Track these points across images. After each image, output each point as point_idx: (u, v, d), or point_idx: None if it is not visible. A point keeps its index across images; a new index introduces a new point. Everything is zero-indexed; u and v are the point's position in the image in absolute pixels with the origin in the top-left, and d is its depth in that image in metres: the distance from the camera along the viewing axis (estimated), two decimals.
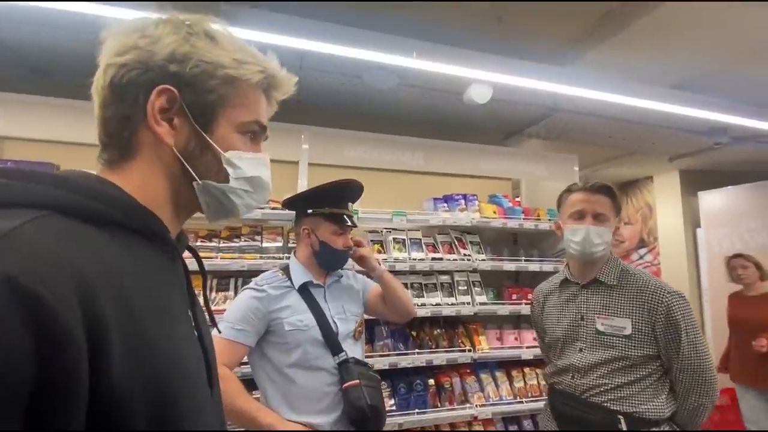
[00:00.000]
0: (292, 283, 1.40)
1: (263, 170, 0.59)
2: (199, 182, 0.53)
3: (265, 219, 2.18)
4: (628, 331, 1.27)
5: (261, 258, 2.10)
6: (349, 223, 1.44)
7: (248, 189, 0.57)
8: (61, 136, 1.87)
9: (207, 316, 0.63)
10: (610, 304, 1.32)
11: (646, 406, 1.24)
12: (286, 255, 2.13)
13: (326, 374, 1.33)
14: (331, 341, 1.35)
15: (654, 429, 1.24)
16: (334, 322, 1.39)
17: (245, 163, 0.56)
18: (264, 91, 0.58)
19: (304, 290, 1.40)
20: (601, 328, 1.32)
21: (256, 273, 2.17)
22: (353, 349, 1.41)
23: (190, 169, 0.52)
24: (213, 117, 0.53)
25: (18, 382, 0.33)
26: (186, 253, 0.61)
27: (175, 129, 0.51)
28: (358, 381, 1.31)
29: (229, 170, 0.54)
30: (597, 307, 1.34)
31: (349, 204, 1.49)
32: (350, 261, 1.52)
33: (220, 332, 0.54)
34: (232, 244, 2.15)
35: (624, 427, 1.23)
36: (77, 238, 0.41)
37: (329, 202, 1.44)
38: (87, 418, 0.37)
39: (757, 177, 3.45)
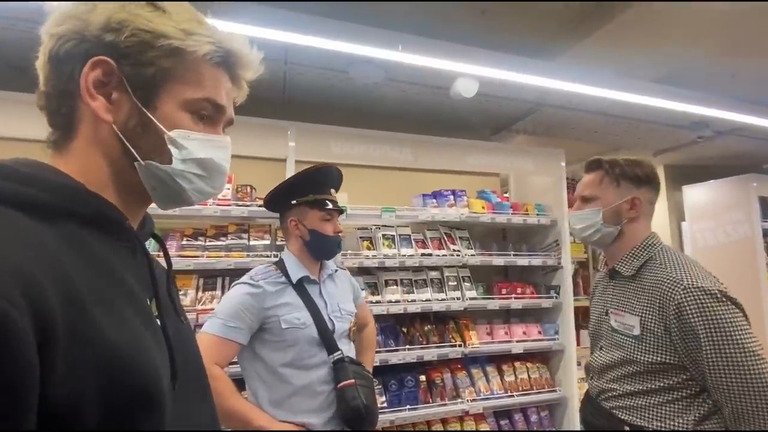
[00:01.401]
0: (288, 278, 1.37)
1: (217, 152, 0.54)
2: (141, 162, 0.49)
3: (252, 217, 2.15)
4: (636, 332, 1.08)
5: (248, 256, 2.07)
6: (334, 207, 1.41)
7: (198, 173, 0.52)
8: (37, 134, 1.82)
9: (174, 308, 0.59)
10: (624, 299, 1.15)
11: (662, 424, 1.03)
12: (274, 253, 2.10)
13: (321, 373, 1.31)
14: (327, 340, 1.33)
15: None
16: (331, 320, 1.37)
17: (193, 144, 0.51)
18: (225, 69, 0.54)
19: (300, 286, 1.37)
20: (614, 325, 1.16)
21: (243, 271, 2.13)
22: (347, 348, 1.39)
23: (131, 149, 0.48)
24: (155, 92, 0.49)
25: None
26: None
27: (113, 104, 0.48)
28: (353, 381, 1.29)
29: (173, 150, 0.50)
30: (615, 300, 1.19)
31: (332, 191, 1.45)
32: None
33: (184, 323, 0.51)
34: (219, 243, 2.11)
35: None
36: (16, 230, 0.38)
37: (312, 188, 1.40)
38: (37, 418, 0.35)
39: (739, 170, 3.53)
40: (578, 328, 2.74)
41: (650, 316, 1.06)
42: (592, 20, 1.95)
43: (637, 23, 1.95)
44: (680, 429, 1.01)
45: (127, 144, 0.48)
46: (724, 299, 0.97)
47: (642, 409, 1.07)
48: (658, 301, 1.05)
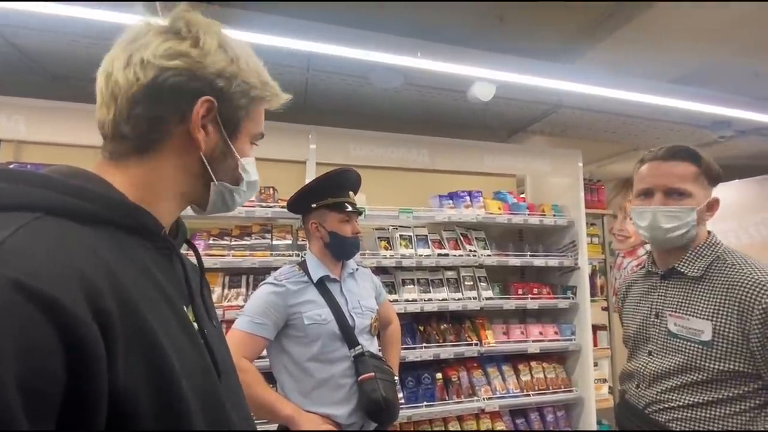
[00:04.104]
0: (309, 277, 1.45)
1: (257, 174, 0.65)
2: (216, 183, 0.58)
3: (274, 217, 2.24)
4: (706, 337, 0.99)
5: (272, 255, 2.15)
6: (353, 209, 1.47)
7: (246, 189, 0.63)
8: (77, 139, 1.94)
9: (206, 311, 0.62)
10: (689, 301, 1.06)
11: None
12: (296, 252, 2.18)
13: (342, 367, 1.38)
14: (348, 335, 1.39)
15: None
16: (351, 317, 1.43)
17: (251, 168, 0.63)
18: (267, 104, 0.64)
19: (321, 285, 1.44)
20: (674, 329, 1.07)
21: (267, 270, 2.24)
22: (369, 344, 1.45)
23: (211, 172, 0.57)
24: (238, 128, 0.59)
25: (52, 381, 0.34)
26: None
27: (207, 135, 0.56)
28: (373, 374, 1.36)
29: (243, 175, 0.61)
30: (674, 303, 1.09)
31: (351, 193, 1.51)
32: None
33: (216, 326, 0.58)
34: (243, 242, 2.20)
35: None
36: (72, 238, 0.42)
37: (330, 192, 1.47)
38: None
39: (762, 170, 3.45)
40: (595, 329, 2.74)
41: (725, 321, 0.98)
42: (611, 22, 1.96)
43: (655, 24, 1.95)
44: None
45: (209, 168, 0.57)
46: None
47: (705, 421, 0.99)
48: (737, 304, 0.97)
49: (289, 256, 2.16)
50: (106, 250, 0.44)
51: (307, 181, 2.26)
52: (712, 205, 1.09)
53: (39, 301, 0.34)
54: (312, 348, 1.37)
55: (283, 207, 2.19)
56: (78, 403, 0.36)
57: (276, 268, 2.21)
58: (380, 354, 1.51)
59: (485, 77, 2.05)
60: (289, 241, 2.26)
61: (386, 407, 1.34)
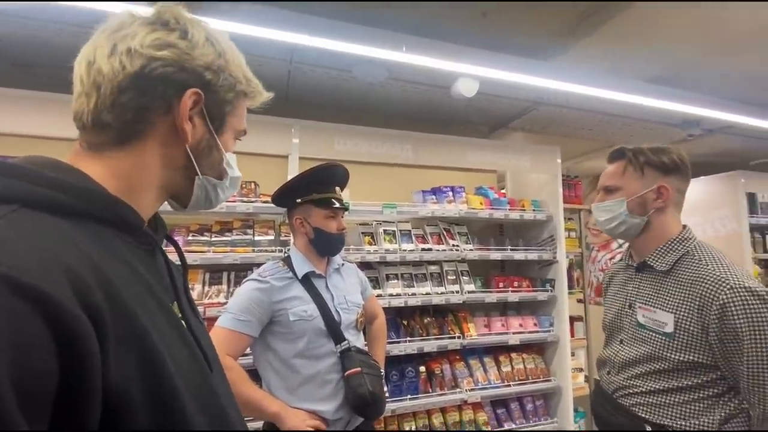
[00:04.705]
0: (294, 273, 1.43)
1: (239, 171, 0.66)
2: (200, 177, 0.58)
3: (256, 213, 2.20)
4: (669, 329, 1.04)
5: (254, 251, 2.11)
6: (338, 206, 1.45)
7: (228, 185, 0.63)
8: (40, 130, 1.84)
9: (190, 307, 0.61)
10: (657, 294, 1.10)
11: (686, 422, 1.01)
12: (278, 248, 2.15)
13: (329, 363, 1.37)
14: (334, 331, 1.39)
15: None
16: (337, 312, 1.43)
17: (234, 163, 0.63)
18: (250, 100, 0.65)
19: (306, 281, 1.43)
20: (641, 320, 1.12)
21: (248, 266, 2.20)
22: (355, 339, 1.45)
23: (195, 165, 0.57)
24: (223, 123, 0.59)
25: (45, 377, 0.33)
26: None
27: (194, 128, 0.55)
28: (359, 369, 1.36)
29: (228, 170, 0.61)
30: (644, 295, 1.14)
31: (338, 189, 1.49)
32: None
33: (202, 322, 0.57)
34: (224, 238, 2.15)
35: None
36: (52, 231, 0.40)
37: (315, 187, 1.45)
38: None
39: (727, 167, 3.63)
40: (572, 320, 2.83)
41: (687, 314, 1.02)
42: (591, 21, 2.01)
43: (633, 25, 2.01)
44: (705, 428, 0.99)
45: (194, 161, 0.56)
46: None
47: (665, 407, 1.04)
48: (698, 299, 1.00)
49: (272, 252, 2.13)
50: (87, 243, 0.42)
51: (290, 176, 2.23)
52: (661, 192, 1.12)
53: (28, 295, 0.33)
54: (298, 344, 1.35)
55: (265, 202, 2.15)
56: (71, 401, 0.35)
57: (258, 265, 2.17)
58: (366, 349, 1.51)
59: (469, 73, 2.06)
60: (272, 237, 2.23)
61: (373, 402, 1.34)
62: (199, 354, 0.54)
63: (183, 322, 0.55)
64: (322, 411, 1.35)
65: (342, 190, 1.52)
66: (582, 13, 1.94)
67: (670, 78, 2.53)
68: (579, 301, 3.17)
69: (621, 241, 4.95)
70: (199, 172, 0.57)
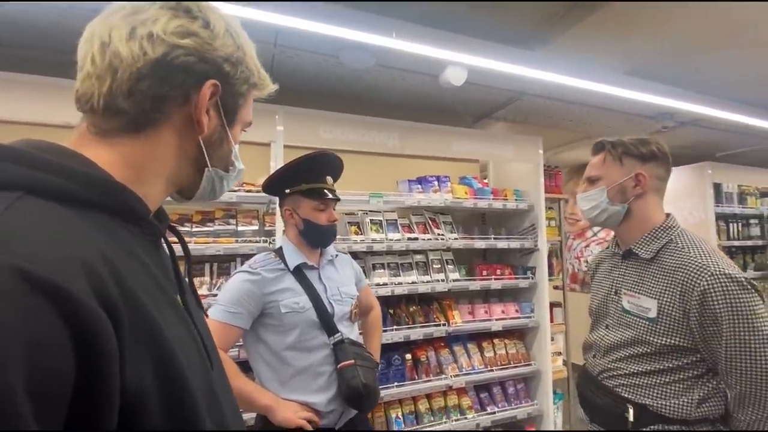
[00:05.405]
0: (286, 265, 1.40)
1: (242, 164, 0.65)
2: (210, 169, 0.57)
3: (239, 202, 2.13)
4: (652, 314, 1.08)
5: (237, 242, 2.06)
6: (330, 197, 1.41)
7: (233, 178, 0.63)
8: (27, 116, 1.71)
9: (195, 299, 0.61)
10: (641, 281, 1.14)
11: (666, 402, 1.06)
12: (263, 239, 2.10)
13: (321, 355, 1.36)
14: (327, 322, 1.37)
15: (670, 428, 1.04)
16: (330, 304, 1.41)
17: (239, 157, 0.63)
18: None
19: (299, 272, 1.40)
20: (626, 306, 1.16)
21: (231, 257, 2.15)
22: (349, 331, 1.44)
23: (206, 157, 0.55)
24: (236, 115, 0.58)
25: (62, 379, 0.32)
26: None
27: (209, 120, 0.54)
28: (353, 361, 1.35)
29: (236, 162, 0.61)
30: (629, 281, 1.18)
31: (329, 179, 1.44)
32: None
33: (207, 316, 0.56)
34: (206, 228, 2.09)
35: (631, 417, 1.08)
36: (62, 221, 0.38)
37: (305, 177, 1.40)
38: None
39: (698, 159, 3.80)
40: (551, 306, 2.92)
41: (669, 300, 1.06)
42: (575, 13, 2.03)
43: (614, 19, 2.04)
44: (684, 407, 1.04)
45: (205, 153, 0.55)
46: (749, 287, 0.99)
47: (647, 388, 1.08)
48: (679, 285, 1.04)
49: (256, 242, 2.08)
50: (95, 234, 0.40)
51: (273, 164, 2.17)
52: (639, 179, 1.16)
53: (45, 290, 0.31)
54: (289, 336, 1.33)
55: (248, 191, 2.09)
56: (88, 402, 0.33)
57: (242, 255, 2.13)
58: (361, 341, 1.50)
59: (456, 60, 2.05)
60: (256, 227, 2.17)
61: (366, 394, 1.34)
62: (203, 349, 0.53)
63: (187, 314, 0.53)
64: (315, 403, 1.34)
65: (335, 180, 1.48)
66: (564, 6, 1.96)
67: (646, 71, 2.60)
68: (555, 287, 3.27)
69: (596, 230, 5.13)
70: (209, 164, 0.56)
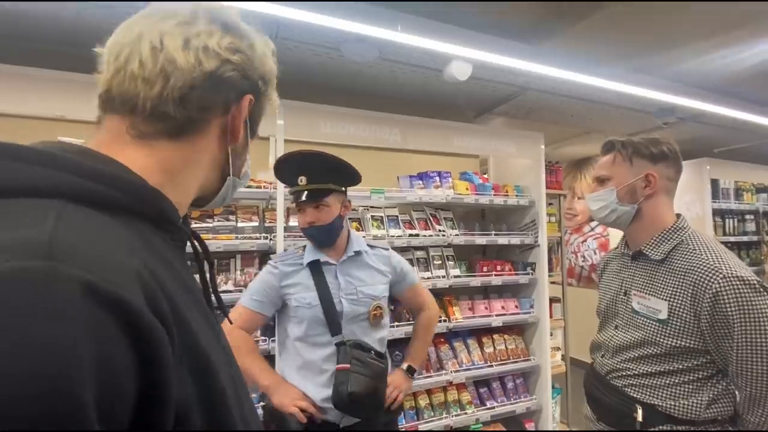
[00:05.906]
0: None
1: None
2: (231, 177, 0.59)
3: (238, 198, 2.10)
4: (663, 316, 1.08)
5: (237, 238, 2.03)
6: (303, 199, 1.35)
7: (241, 185, 0.64)
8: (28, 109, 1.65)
9: (216, 302, 0.61)
10: (651, 282, 1.13)
11: (675, 403, 1.05)
12: (263, 235, 2.08)
13: (325, 352, 1.37)
14: (332, 321, 1.36)
15: (679, 428, 1.04)
16: (341, 302, 1.39)
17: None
18: None
19: (316, 267, 1.41)
20: (636, 307, 1.15)
21: (232, 254, 2.11)
22: (363, 333, 1.41)
23: (231, 166, 0.57)
24: (257, 127, 0.61)
25: (127, 396, 0.31)
26: None
27: (242, 132, 0.57)
28: (347, 366, 1.32)
29: (248, 171, 0.64)
30: (639, 282, 1.17)
31: (303, 179, 1.36)
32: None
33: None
34: (205, 225, 2.05)
35: (640, 417, 1.08)
36: (108, 230, 0.38)
37: (281, 179, 1.49)
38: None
39: (694, 154, 3.81)
40: (550, 301, 2.93)
41: (680, 302, 1.05)
42: (578, 9, 2.00)
43: (616, 15, 2.02)
44: (693, 408, 1.04)
45: (231, 161, 0.57)
46: (761, 290, 0.98)
47: (656, 389, 1.08)
48: (691, 287, 1.04)
49: (257, 239, 2.05)
50: (135, 241, 0.40)
51: (273, 158, 2.14)
52: (649, 180, 1.14)
53: (109, 304, 0.31)
54: (299, 328, 1.39)
55: (248, 187, 2.06)
56: (146, 416, 0.33)
57: (242, 252, 2.11)
58: (375, 345, 1.44)
59: (459, 55, 2.01)
60: (256, 223, 2.14)
61: (351, 402, 1.29)
62: (232, 360, 0.53)
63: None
64: (314, 397, 1.36)
65: (311, 177, 1.36)
66: (567, 2, 1.93)
67: (648, 66, 2.58)
68: (554, 283, 3.27)
69: (593, 225, 5.17)
70: (232, 173, 0.58)
